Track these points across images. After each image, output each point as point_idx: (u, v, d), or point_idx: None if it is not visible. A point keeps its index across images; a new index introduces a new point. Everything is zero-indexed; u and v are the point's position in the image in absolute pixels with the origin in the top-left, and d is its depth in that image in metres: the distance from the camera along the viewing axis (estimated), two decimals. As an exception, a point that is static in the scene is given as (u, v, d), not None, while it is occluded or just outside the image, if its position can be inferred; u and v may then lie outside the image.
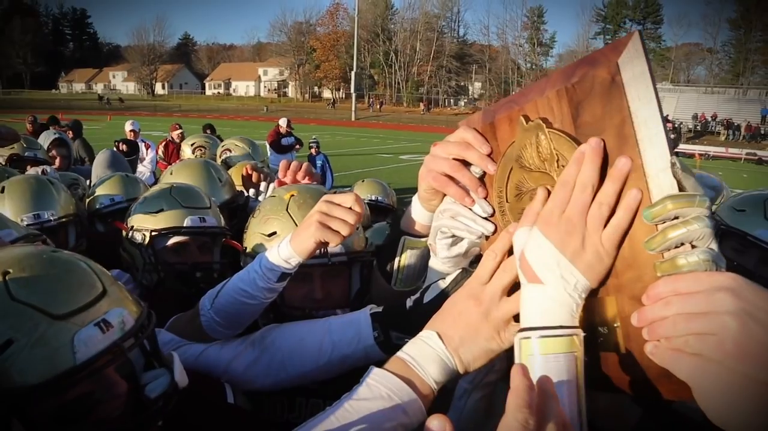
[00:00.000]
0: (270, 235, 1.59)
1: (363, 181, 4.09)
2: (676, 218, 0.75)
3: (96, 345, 0.95)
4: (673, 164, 0.75)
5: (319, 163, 10.82)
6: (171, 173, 2.94)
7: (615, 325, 0.85)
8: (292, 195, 1.63)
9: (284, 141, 11.52)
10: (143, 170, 7.64)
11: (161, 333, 1.50)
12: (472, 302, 0.94)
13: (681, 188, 0.75)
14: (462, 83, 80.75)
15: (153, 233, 2.10)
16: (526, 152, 0.94)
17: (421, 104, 65.66)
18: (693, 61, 73.09)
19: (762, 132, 40.65)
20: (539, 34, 78.06)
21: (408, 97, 73.22)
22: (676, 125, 40.05)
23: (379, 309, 1.31)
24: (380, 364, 1.20)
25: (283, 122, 11.96)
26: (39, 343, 0.91)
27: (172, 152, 8.79)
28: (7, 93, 72.55)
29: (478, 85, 79.32)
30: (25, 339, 0.90)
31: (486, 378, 1.12)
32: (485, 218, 1.05)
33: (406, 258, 1.33)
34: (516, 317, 0.91)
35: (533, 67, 77.23)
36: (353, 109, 53.04)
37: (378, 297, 1.47)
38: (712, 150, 33.63)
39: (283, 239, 1.34)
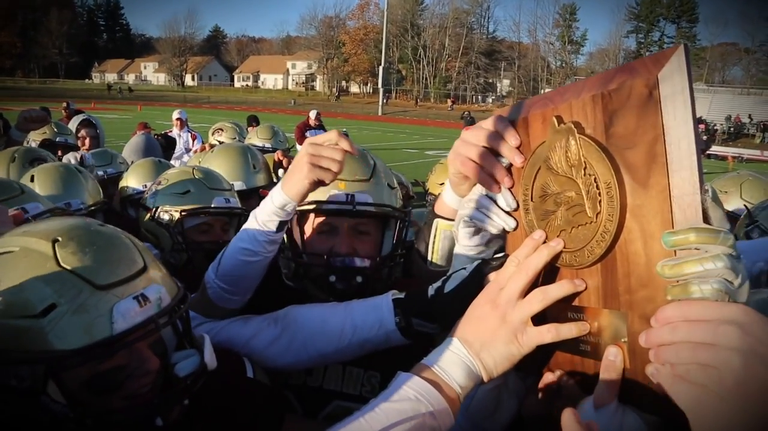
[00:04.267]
0: None
1: None
2: (697, 248, 0.73)
3: (133, 318, 0.98)
4: (705, 191, 0.73)
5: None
6: (209, 156, 3.01)
7: (623, 340, 0.85)
8: None
9: (308, 134, 11.38)
10: (187, 159, 7.62)
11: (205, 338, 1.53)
12: (489, 306, 0.96)
13: (706, 218, 0.73)
14: (490, 80, 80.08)
15: (183, 213, 2.15)
16: (554, 155, 0.93)
17: (449, 100, 65.32)
18: (729, 61, 71.38)
19: (799, 136, 39.48)
20: (570, 31, 76.93)
21: (435, 93, 72.94)
22: (710, 127, 39.14)
23: (401, 295, 1.31)
24: (402, 354, 1.25)
25: (312, 114, 11.97)
26: (80, 310, 0.94)
27: (194, 141, 8.59)
28: (42, 82, 74.29)
29: (506, 82, 78.62)
30: (67, 305, 0.93)
31: None
32: (508, 213, 1.06)
33: (439, 240, 1.36)
34: (533, 321, 0.93)
35: (563, 65, 76.20)
36: (380, 104, 53.03)
37: (419, 276, 1.48)
38: (747, 153, 32.77)
39: (274, 188, 1.36)
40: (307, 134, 11.46)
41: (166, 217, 2.19)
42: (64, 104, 10.79)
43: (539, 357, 0.98)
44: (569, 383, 0.96)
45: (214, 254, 2.12)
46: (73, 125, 5.22)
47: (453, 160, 1.11)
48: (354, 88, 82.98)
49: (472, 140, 1.06)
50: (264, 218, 1.36)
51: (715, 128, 39.79)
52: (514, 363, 0.95)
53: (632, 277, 0.82)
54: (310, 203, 1.50)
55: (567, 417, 0.75)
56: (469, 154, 1.06)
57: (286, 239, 1.54)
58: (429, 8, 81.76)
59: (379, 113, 51.10)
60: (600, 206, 0.86)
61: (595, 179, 0.86)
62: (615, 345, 0.85)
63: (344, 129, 12.30)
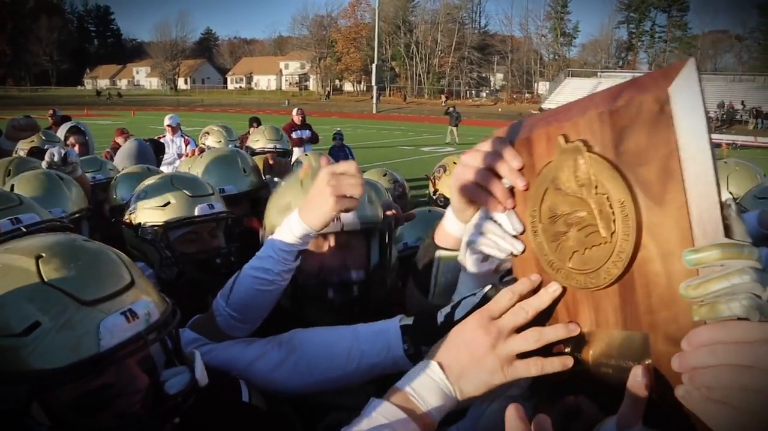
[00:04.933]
0: (285, 207, 1.57)
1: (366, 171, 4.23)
2: (721, 265, 0.71)
3: (121, 334, 0.95)
4: (727, 206, 0.72)
5: (341, 156, 10.84)
6: (198, 162, 2.98)
7: (647, 362, 0.83)
8: (306, 171, 1.64)
9: (294, 134, 10.59)
10: (178, 165, 7.60)
11: (185, 332, 1.50)
12: (480, 333, 0.94)
13: (728, 233, 0.72)
14: (484, 74, 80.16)
15: (168, 227, 2.09)
16: (562, 175, 0.90)
17: (443, 96, 65.32)
18: (720, 48, 71.54)
19: (793, 121, 39.61)
20: (562, 24, 76.99)
21: (429, 89, 72.90)
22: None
23: (410, 321, 1.28)
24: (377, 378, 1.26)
25: (294, 112, 11.21)
26: (65, 327, 0.91)
27: (187, 146, 8.52)
28: (34, 90, 74.04)
29: (499, 76, 78.68)
30: (52, 322, 0.90)
31: (509, 390, 1.12)
32: (515, 237, 1.03)
33: (441, 274, 1.31)
34: (520, 356, 0.93)
35: (556, 57, 76.27)
36: (374, 101, 53.00)
37: (412, 310, 1.44)
38: (741, 139, 32.85)
39: (291, 217, 1.36)
40: (293, 134, 10.70)
41: (149, 232, 2.12)
42: (50, 112, 10.73)
43: (554, 379, 0.95)
44: (589, 404, 0.93)
45: (205, 263, 2.14)
46: (61, 132, 5.18)
47: (455, 186, 1.08)
48: (348, 87, 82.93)
49: (472, 163, 1.03)
50: (283, 247, 1.36)
51: (709, 115, 39.82)
52: (491, 391, 0.95)
53: (653, 297, 0.80)
54: None
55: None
56: (470, 177, 1.03)
57: None
58: (420, 4, 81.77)
59: (374, 111, 51.06)
60: (614, 225, 0.83)
61: (607, 197, 0.84)
62: (640, 365, 0.82)
63: (338, 128, 12.17)
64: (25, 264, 0.96)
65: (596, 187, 0.85)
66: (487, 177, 1.01)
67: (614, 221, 0.83)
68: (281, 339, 1.41)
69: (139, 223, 2.15)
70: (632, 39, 74.86)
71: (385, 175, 4.04)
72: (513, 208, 1.01)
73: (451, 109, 29.36)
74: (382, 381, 1.43)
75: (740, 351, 0.68)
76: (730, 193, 2.69)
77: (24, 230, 1.71)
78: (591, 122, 0.85)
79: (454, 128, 25.68)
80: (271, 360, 1.38)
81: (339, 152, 11.02)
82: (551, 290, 0.94)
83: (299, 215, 1.33)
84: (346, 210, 1.32)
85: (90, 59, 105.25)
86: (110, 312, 0.95)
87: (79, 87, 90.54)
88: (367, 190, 1.63)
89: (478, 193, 1.04)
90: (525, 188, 0.98)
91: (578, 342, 0.94)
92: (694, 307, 0.73)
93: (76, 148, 4.87)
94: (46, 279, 0.94)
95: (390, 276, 1.70)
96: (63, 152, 2.69)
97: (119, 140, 8.09)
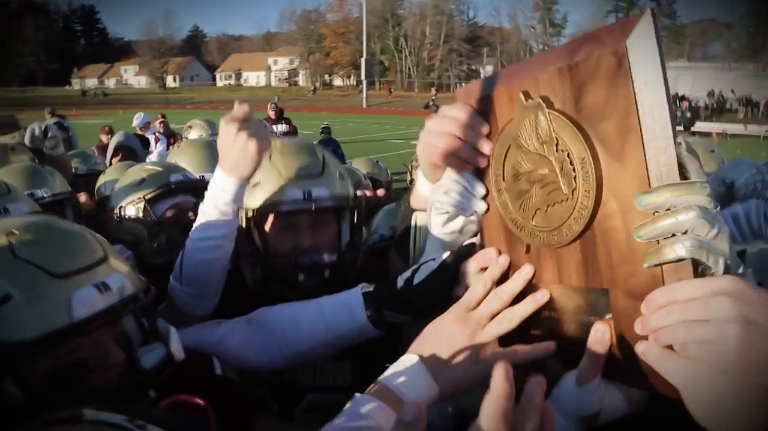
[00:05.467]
0: (254, 185, 1.54)
1: (354, 160, 4.22)
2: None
3: (93, 306, 0.96)
4: (679, 144, 0.71)
5: (329, 150, 10.76)
6: (175, 152, 3.04)
7: (608, 316, 0.83)
8: (275, 146, 1.60)
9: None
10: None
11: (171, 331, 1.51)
12: (458, 326, 0.96)
13: (683, 172, 0.72)
14: (473, 67, 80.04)
15: (147, 196, 2.17)
16: (524, 132, 0.90)
17: (433, 89, 65.22)
18: (709, 37, 71.67)
19: (782, 108, 39.81)
20: (551, 14, 77.04)
21: (419, 83, 72.77)
22: (693, 104, 39.35)
23: (371, 288, 1.28)
24: (372, 342, 1.28)
25: (269, 107, 10.81)
26: (37, 300, 0.92)
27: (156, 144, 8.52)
28: (22, 91, 73.29)
29: (489, 68, 78.48)
30: (23, 295, 0.91)
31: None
32: (479, 197, 1.04)
33: (420, 236, 1.31)
34: (500, 343, 0.94)
35: (546, 48, 76.23)
36: (364, 96, 52.86)
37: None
38: (731, 128, 32.96)
39: (217, 178, 1.40)
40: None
41: (132, 210, 2.18)
42: (48, 109, 11.15)
43: (523, 336, 0.96)
44: (554, 359, 0.94)
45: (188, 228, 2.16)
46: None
47: (421, 151, 1.10)
48: (338, 82, 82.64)
49: (436, 129, 1.04)
50: (222, 208, 1.39)
51: (699, 104, 40.03)
52: (473, 382, 0.94)
53: (613, 253, 0.81)
54: (268, 206, 1.51)
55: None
56: (435, 142, 1.04)
57: (246, 243, 1.55)
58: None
59: (364, 105, 50.92)
60: (575, 182, 0.83)
61: (568, 154, 0.83)
62: (601, 321, 0.84)
63: (325, 123, 12.10)
64: None
65: (557, 144, 0.84)
66: (451, 141, 1.02)
67: (575, 178, 0.83)
68: (249, 318, 1.41)
69: (121, 205, 2.22)
70: (621, 29, 74.88)
71: (377, 162, 4.07)
72: (481, 168, 1.02)
73: (431, 102, 29.04)
74: (358, 359, 1.48)
75: (693, 307, 0.69)
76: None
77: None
78: (551, 78, 0.84)
79: None
80: (240, 337, 1.38)
81: (327, 145, 10.96)
82: (524, 274, 0.95)
83: (225, 172, 1.37)
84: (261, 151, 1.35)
85: (77, 59, 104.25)
86: (83, 284, 0.97)
87: (67, 87, 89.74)
88: (338, 167, 1.66)
89: (443, 156, 1.04)
90: (489, 151, 0.98)
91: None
92: (645, 255, 0.74)
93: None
94: (17, 254, 0.96)
95: (360, 258, 1.69)
96: (43, 125, 2.71)
97: (104, 138, 8.11)
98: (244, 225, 1.54)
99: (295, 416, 1.51)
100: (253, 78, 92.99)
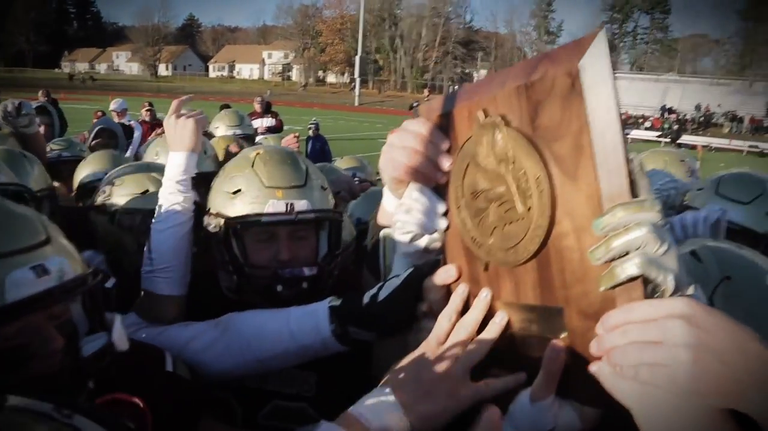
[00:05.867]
0: (234, 192, 1.54)
1: (341, 158, 4.30)
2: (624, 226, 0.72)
3: (28, 288, 0.93)
4: (630, 161, 0.72)
5: (317, 146, 10.79)
6: (158, 143, 2.98)
7: (562, 335, 0.84)
8: (258, 153, 1.60)
9: (253, 122, 8.97)
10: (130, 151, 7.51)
11: (129, 316, 1.54)
12: (430, 360, 0.95)
13: (634, 189, 0.73)
14: (467, 70, 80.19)
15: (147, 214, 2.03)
16: (482, 150, 0.90)
17: (426, 90, 65.31)
18: (699, 52, 72.47)
19: (765, 125, 40.44)
20: (546, 22, 77.42)
21: (412, 83, 72.82)
22: (680, 117, 39.84)
23: (338, 303, 1.29)
24: (338, 355, 1.30)
25: (255, 101, 10.33)
26: None
27: (146, 131, 8.20)
28: (9, 71, 72.16)
29: (483, 72, 78.74)
30: None
31: None
32: (440, 214, 1.04)
33: (389, 252, 1.30)
34: (473, 378, 0.94)
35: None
36: (356, 94, 52.84)
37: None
38: (716, 142, 33.47)
39: (169, 160, 1.59)
40: (254, 121, 9.25)
41: (127, 220, 2.07)
42: (43, 91, 11.00)
43: (499, 357, 0.97)
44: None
45: None
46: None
47: (383, 164, 1.10)
48: (331, 78, 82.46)
49: (398, 143, 1.05)
50: (179, 179, 1.57)
51: (686, 117, 40.53)
52: (450, 416, 0.93)
53: (567, 272, 0.81)
54: (249, 216, 1.49)
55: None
56: (396, 156, 1.05)
57: (225, 251, 1.54)
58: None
59: (356, 104, 50.90)
60: (531, 200, 0.83)
61: (524, 173, 0.83)
62: (556, 340, 0.84)
63: (315, 119, 12.12)
64: None
65: (513, 162, 0.84)
66: (412, 156, 1.02)
67: (531, 196, 0.83)
68: (217, 322, 1.43)
69: (116, 210, 2.10)
70: (615, 40, 75.46)
71: (362, 160, 4.17)
72: (441, 183, 1.02)
73: (415, 103, 28.98)
74: (323, 371, 1.50)
75: (647, 328, 0.69)
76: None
77: None
78: (509, 96, 0.84)
79: None
80: (205, 340, 1.40)
81: (315, 141, 11.00)
82: (483, 298, 0.97)
83: (175, 151, 1.59)
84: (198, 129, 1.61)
85: (69, 42, 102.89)
86: (18, 267, 0.94)
87: (56, 70, 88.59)
88: (320, 178, 1.64)
89: (404, 171, 1.04)
90: (449, 167, 0.99)
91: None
92: (600, 278, 0.74)
93: (42, 128, 4.83)
94: None
95: (336, 268, 1.68)
96: (17, 102, 2.59)
97: (143, 111, 8.20)
98: (222, 233, 1.53)
99: (258, 421, 1.52)
100: (247, 70, 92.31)
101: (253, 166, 1.55)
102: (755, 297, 1.11)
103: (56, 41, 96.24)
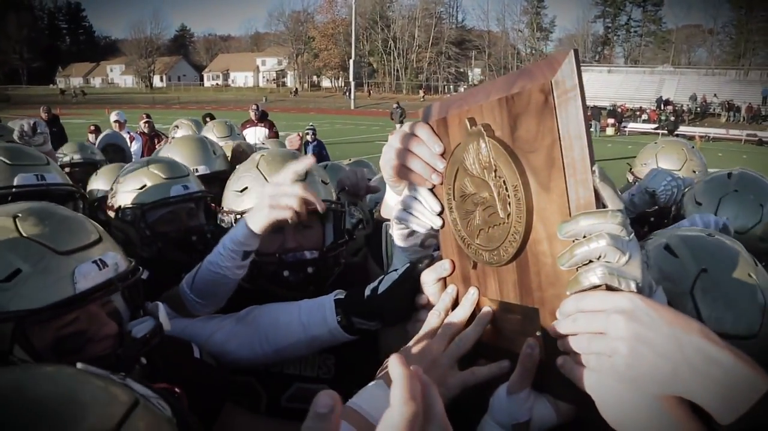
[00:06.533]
0: (242, 191, 1.71)
1: (350, 159, 4.24)
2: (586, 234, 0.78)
3: (94, 279, 1.09)
4: (593, 172, 0.76)
5: (314, 150, 10.69)
6: (167, 147, 3.09)
7: (537, 334, 0.90)
8: (262, 155, 1.76)
9: (246, 132, 8.85)
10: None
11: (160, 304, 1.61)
12: (421, 352, 1.03)
13: (598, 199, 0.77)
14: (461, 69, 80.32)
15: (145, 208, 2.18)
16: (469, 156, 0.95)
17: (421, 91, 65.35)
18: (694, 43, 72.52)
19: (762, 113, 40.38)
20: (539, 18, 77.50)
21: (407, 85, 72.90)
22: (677, 108, 39.80)
23: (342, 296, 1.38)
24: (337, 350, 1.42)
25: (251, 108, 10.16)
26: (44, 273, 1.03)
27: (145, 143, 8.30)
28: (4, 89, 72.22)
29: (477, 71, 78.92)
30: (31, 269, 1.03)
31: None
32: (436, 213, 1.10)
33: (390, 245, 1.38)
34: (460, 366, 1.02)
35: (533, 51, 76.74)
36: (352, 97, 52.89)
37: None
38: (713, 132, 33.44)
39: (242, 220, 1.47)
40: (246, 131, 8.85)
41: (129, 214, 2.22)
42: (44, 107, 11.51)
43: (478, 352, 1.04)
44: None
45: (182, 242, 2.23)
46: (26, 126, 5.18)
47: (382, 164, 1.17)
48: (326, 83, 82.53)
49: (396, 145, 1.11)
50: (232, 247, 1.46)
51: (683, 108, 40.50)
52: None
53: (542, 275, 0.87)
54: None
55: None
56: (395, 157, 1.11)
57: None
58: (397, 0, 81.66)
59: (352, 107, 50.94)
60: (509, 207, 0.89)
61: (504, 181, 0.89)
62: (532, 337, 0.91)
63: (311, 124, 12.03)
64: (4, 223, 1.09)
65: (495, 170, 0.90)
66: (409, 158, 1.09)
67: (510, 204, 0.89)
68: (237, 316, 1.53)
69: (120, 206, 2.25)
70: (608, 33, 75.70)
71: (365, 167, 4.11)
72: (438, 184, 1.08)
73: (395, 105, 28.35)
74: (340, 354, 1.58)
75: (594, 319, 0.76)
76: (662, 168, 2.82)
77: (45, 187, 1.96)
78: (492, 108, 0.90)
79: (399, 126, 24.93)
80: (226, 333, 1.51)
81: (313, 145, 10.94)
82: (470, 297, 1.04)
83: (245, 220, 1.45)
84: (283, 220, 1.41)
85: (62, 57, 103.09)
86: (83, 260, 1.10)
87: (51, 86, 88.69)
88: (320, 174, 1.78)
89: (403, 171, 1.11)
90: (442, 170, 1.05)
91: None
92: (568, 283, 0.81)
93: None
94: (24, 233, 1.07)
95: (342, 256, 1.79)
96: (32, 121, 2.75)
97: (91, 137, 8.12)
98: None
99: (281, 403, 1.61)
100: (241, 78, 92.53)
101: (257, 166, 1.73)
102: (731, 285, 1.17)
103: (50, 57, 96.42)
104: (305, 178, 1.63)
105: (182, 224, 2.26)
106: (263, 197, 1.43)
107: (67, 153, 3.63)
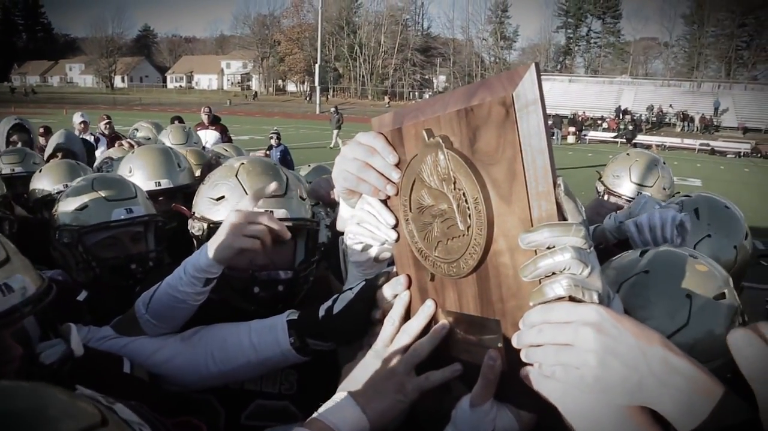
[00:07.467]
0: (218, 199, 1.62)
1: (310, 166, 4.25)
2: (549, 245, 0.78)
3: None
4: (558, 186, 0.77)
5: (279, 155, 10.68)
6: (130, 157, 2.89)
7: (498, 345, 0.90)
8: (242, 163, 1.67)
9: (200, 133, 7.74)
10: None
11: (104, 329, 1.56)
12: (378, 362, 1.04)
13: (561, 213, 0.78)
14: (427, 76, 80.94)
15: (82, 231, 2.01)
16: (426, 168, 0.94)
17: (386, 97, 65.64)
18: (650, 55, 74.99)
19: (714, 124, 42.00)
20: (503, 27, 78.78)
21: (373, 91, 73.09)
22: (635, 118, 41.02)
23: (296, 316, 1.36)
24: (299, 365, 1.39)
25: (202, 111, 9.83)
26: None
27: (110, 145, 8.01)
28: (-45, 86, 69.54)
29: (442, 78, 79.67)
30: None
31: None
32: (390, 226, 1.08)
33: (347, 258, 1.36)
34: (417, 371, 1.03)
35: (497, 60, 77.96)
36: (317, 102, 52.74)
37: None
38: (669, 141, 34.59)
39: (204, 246, 1.39)
40: (199, 132, 7.77)
41: (66, 236, 2.03)
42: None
43: (438, 364, 1.03)
44: (458, 382, 1.02)
45: (121, 269, 2.05)
46: (3, 126, 4.99)
47: (336, 175, 1.13)
48: (291, 87, 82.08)
49: (350, 155, 1.08)
50: (193, 273, 1.39)
51: (640, 118, 41.75)
52: (399, 410, 1.02)
53: (503, 287, 0.87)
54: None
55: None
56: (349, 168, 1.07)
57: None
58: (364, 6, 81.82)
59: (317, 112, 50.76)
60: (470, 220, 0.88)
61: (464, 193, 0.88)
62: (493, 349, 0.91)
63: (275, 128, 11.97)
64: None
65: (455, 183, 0.89)
66: (363, 169, 1.06)
67: (470, 216, 0.88)
68: (183, 335, 1.47)
69: (59, 225, 2.06)
70: (569, 44, 77.40)
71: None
72: (393, 195, 1.05)
73: (332, 109, 27.12)
74: (303, 369, 1.54)
75: (561, 330, 0.76)
76: (635, 184, 2.85)
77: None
78: (451, 119, 0.88)
79: (336, 131, 24.27)
80: (168, 352, 1.45)
81: (277, 150, 10.91)
82: (426, 309, 1.04)
83: (208, 247, 1.37)
84: (246, 251, 1.36)
85: (18, 54, 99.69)
86: None
87: (6, 83, 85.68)
88: (299, 188, 1.69)
89: (356, 183, 1.07)
90: (398, 181, 1.02)
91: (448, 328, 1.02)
92: (530, 294, 0.81)
93: (19, 145, 4.68)
94: None
95: (312, 273, 1.71)
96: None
97: (41, 140, 7.74)
98: (205, 236, 1.57)
99: (241, 421, 1.55)
100: (205, 81, 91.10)
101: (237, 175, 1.63)
102: (661, 290, 1.21)
103: (5, 54, 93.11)
104: (285, 193, 1.59)
105: (124, 249, 2.07)
106: (227, 226, 1.36)
107: (9, 164, 3.37)
